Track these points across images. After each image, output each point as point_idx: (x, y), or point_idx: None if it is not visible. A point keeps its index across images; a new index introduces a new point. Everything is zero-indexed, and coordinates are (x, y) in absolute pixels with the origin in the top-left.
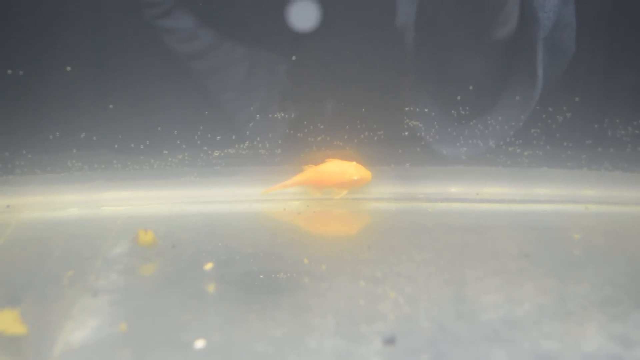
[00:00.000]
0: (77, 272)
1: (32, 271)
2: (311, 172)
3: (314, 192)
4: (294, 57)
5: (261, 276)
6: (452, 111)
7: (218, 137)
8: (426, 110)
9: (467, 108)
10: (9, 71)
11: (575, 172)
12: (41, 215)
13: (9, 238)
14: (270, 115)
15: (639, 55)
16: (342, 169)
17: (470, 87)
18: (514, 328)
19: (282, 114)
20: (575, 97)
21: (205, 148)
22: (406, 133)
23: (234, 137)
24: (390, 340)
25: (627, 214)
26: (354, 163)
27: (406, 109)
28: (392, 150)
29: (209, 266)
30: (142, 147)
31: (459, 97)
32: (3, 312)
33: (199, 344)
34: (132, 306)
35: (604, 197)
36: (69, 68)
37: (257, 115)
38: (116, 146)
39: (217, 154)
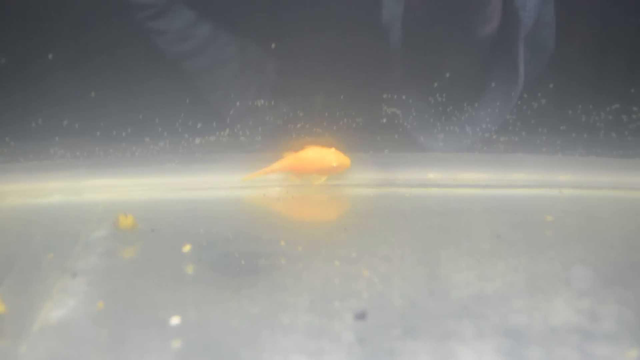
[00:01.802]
0: (58, 255)
1: (13, 255)
2: (291, 159)
3: (294, 178)
4: (273, 45)
5: (239, 258)
6: (430, 99)
7: (199, 125)
8: (404, 97)
9: (445, 95)
10: None
11: (550, 157)
12: (24, 202)
13: None
14: (250, 103)
15: (611, 45)
16: (321, 155)
17: (447, 75)
18: (484, 304)
19: (262, 102)
20: (550, 84)
21: (186, 135)
22: (384, 120)
23: (214, 124)
24: (361, 316)
25: (600, 197)
26: (333, 150)
27: (384, 96)
28: (370, 137)
29: (187, 248)
30: (123, 134)
31: (435, 84)
32: None
33: (175, 320)
34: (110, 286)
35: (578, 181)
36: (50, 56)
37: (237, 103)
38: (98, 134)
39: (198, 142)
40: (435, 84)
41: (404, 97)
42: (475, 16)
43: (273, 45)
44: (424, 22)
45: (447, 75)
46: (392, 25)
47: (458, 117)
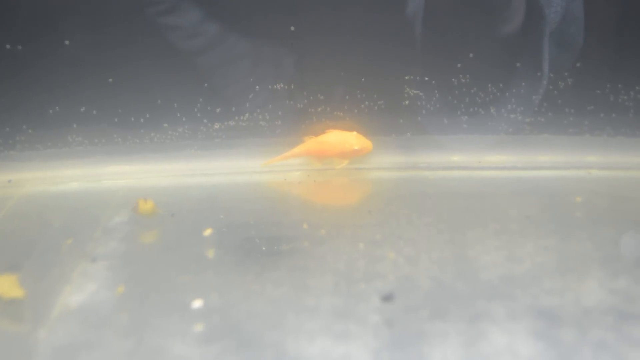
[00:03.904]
0: (76, 241)
1: (32, 241)
2: (312, 143)
3: (315, 162)
4: (292, 28)
5: (260, 241)
6: (453, 79)
7: (218, 110)
8: (426, 78)
9: (468, 76)
10: (8, 46)
11: (577, 138)
12: (42, 189)
13: (11, 211)
14: (269, 87)
15: None
16: (343, 139)
17: (471, 55)
18: (514, 285)
19: (282, 85)
20: (577, 62)
21: (205, 121)
22: (407, 102)
23: (233, 109)
24: (388, 298)
25: (630, 178)
26: (355, 133)
27: (406, 77)
28: (393, 120)
29: (208, 232)
30: (142, 120)
31: (459, 65)
32: (1, 277)
33: (197, 304)
34: (130, 271)
35: (606, 162)
36: (67, 42)
37: (257, 87)
38: (116, 120)
39: (217, 127)
40: (459, 65)
41: (426, 78)
42: (500, 12)
43: (292, 28)
44: (447, 18)
45: (471, 55)
46: (415, 16)
47: (482, 98)
